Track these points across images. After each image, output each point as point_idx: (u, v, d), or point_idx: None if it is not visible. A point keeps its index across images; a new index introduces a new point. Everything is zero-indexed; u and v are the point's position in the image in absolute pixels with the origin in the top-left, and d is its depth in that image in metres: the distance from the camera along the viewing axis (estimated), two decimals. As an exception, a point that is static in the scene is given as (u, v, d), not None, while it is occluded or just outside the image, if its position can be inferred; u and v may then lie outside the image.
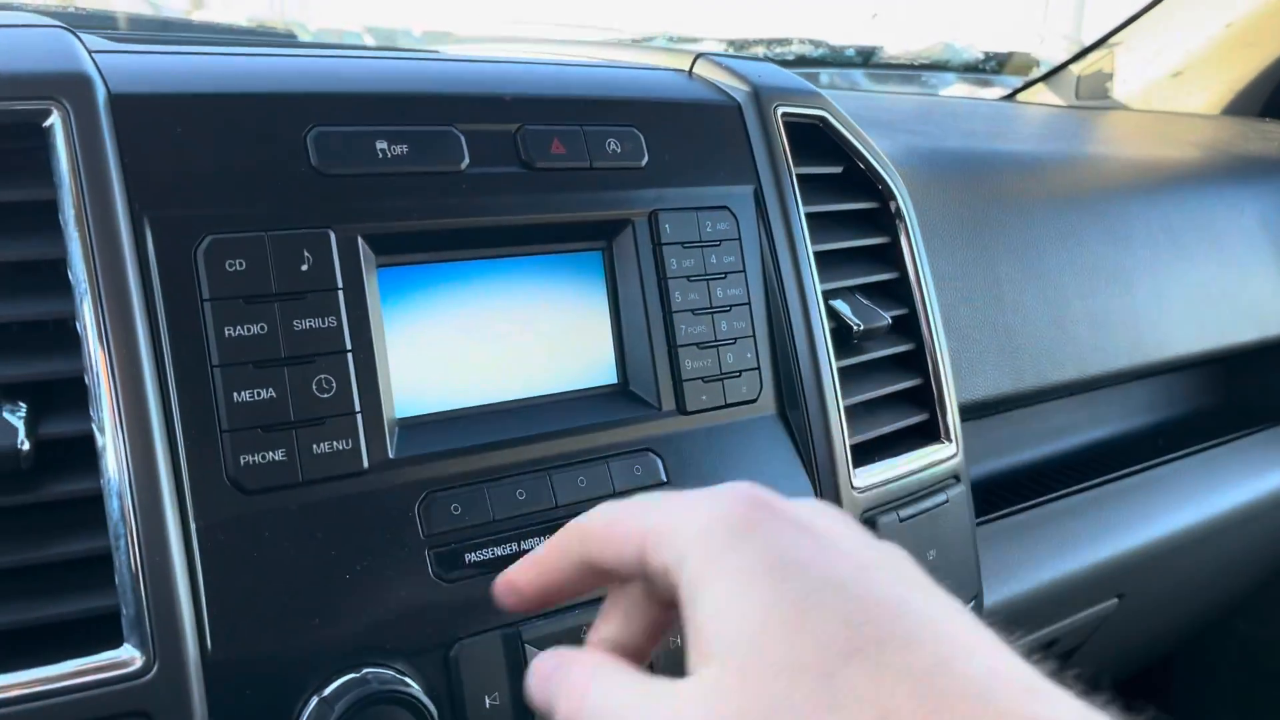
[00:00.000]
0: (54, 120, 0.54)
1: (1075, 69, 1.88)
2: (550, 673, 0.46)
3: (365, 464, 0.60)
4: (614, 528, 0.45)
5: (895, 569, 0.41)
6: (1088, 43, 1.89)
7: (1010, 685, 0.35)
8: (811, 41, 1.88)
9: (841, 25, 1.92)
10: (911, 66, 1.95)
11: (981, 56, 2.01)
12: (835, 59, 1.87)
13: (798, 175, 0.81)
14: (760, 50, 1.82)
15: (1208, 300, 1.31)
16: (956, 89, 2.04)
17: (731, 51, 1.78)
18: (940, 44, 1.98)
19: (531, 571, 0.48)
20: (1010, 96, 1.94)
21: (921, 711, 0.34)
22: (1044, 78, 1.92)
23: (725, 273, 0.76)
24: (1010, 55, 2.04)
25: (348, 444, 0.60)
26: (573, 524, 0.47)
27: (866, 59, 1.91)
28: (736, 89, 0.82)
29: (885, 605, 0.37)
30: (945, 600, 0.41)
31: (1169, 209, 1.31)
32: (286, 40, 1.28)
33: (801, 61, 1.83)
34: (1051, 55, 1.96)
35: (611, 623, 0.47)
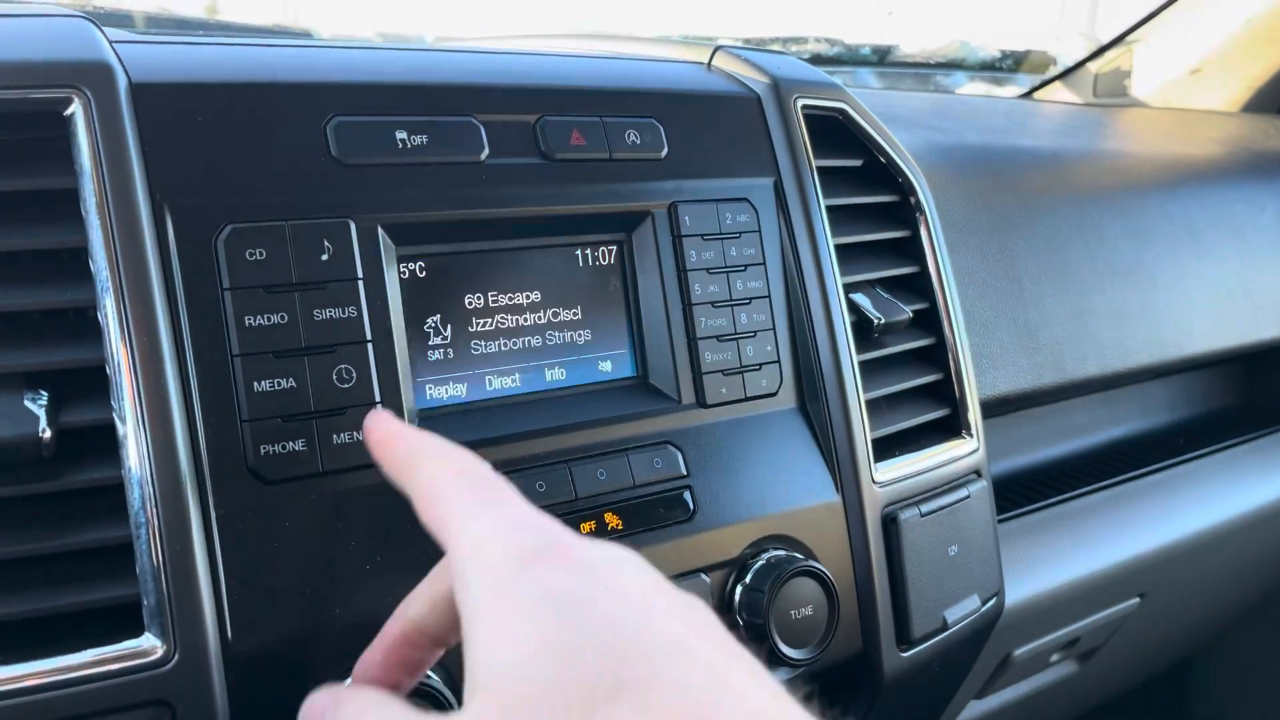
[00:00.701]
0: (75, 108, 0.54)
1: (1093, 67, 1.87)
2: (323, 710, 0.45)
3: (385, 454, 0.60)
4: (424, 585, 0.48)
5: (683, 616, 0.40)
6: (1104, 40, 1.88)
7: None
8: (827, 40, 1.88)
9: (857, 24, 1.91)
10: (928, 65, 1.95)
11: (998, 55, 2.00)
12: (851, 57, 1.87)
13: (818, 167, 0.81)
14: (776, 47, 1.81)
15: (1229, 297, 1.30)
16: (972, 87, 2.03)
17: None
18: (956, 42, 1.97)
19: (375, 655, 0.49)
20: (1027, 95, 1.93)
21: None
22: (1061, 76, 1.91)
23: (745, 265, 0.76)
24: (1027, 53, 2.03)
25: (368, 434, 0.59)
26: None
27: (882, 57, 1.91)
28: (756, 81, 0.81)
29: (661, 647, 0.37)
30: (733, 648, 0.40)
31: (1189, 205, 1.30)
32: (304, 36, 1.28)
33: (817, 60, 1.83)
34: (1068, 53, 1.94)
35: (417, 604, 0.48)
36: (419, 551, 0.60)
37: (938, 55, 1.95)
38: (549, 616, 0.38)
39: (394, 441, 0.50)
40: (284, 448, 0.57)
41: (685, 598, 0.42)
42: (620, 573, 0.41)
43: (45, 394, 0.53)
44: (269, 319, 0.57)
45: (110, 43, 0.59)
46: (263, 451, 0.57)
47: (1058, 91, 1.90)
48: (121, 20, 1.28)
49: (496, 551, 0.41)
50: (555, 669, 0.36)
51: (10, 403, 0.51)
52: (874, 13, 2.03)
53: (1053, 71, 1.95)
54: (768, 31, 1.99)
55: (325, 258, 0.59)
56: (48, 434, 0.51)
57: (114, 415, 0.54)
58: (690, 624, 0.40)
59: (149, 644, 0.52)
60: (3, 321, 0.53)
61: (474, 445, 0.63)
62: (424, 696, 0.56)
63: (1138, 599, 1.19)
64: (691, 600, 0.43)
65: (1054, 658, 1.16)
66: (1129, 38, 1.85)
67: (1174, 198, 1.29)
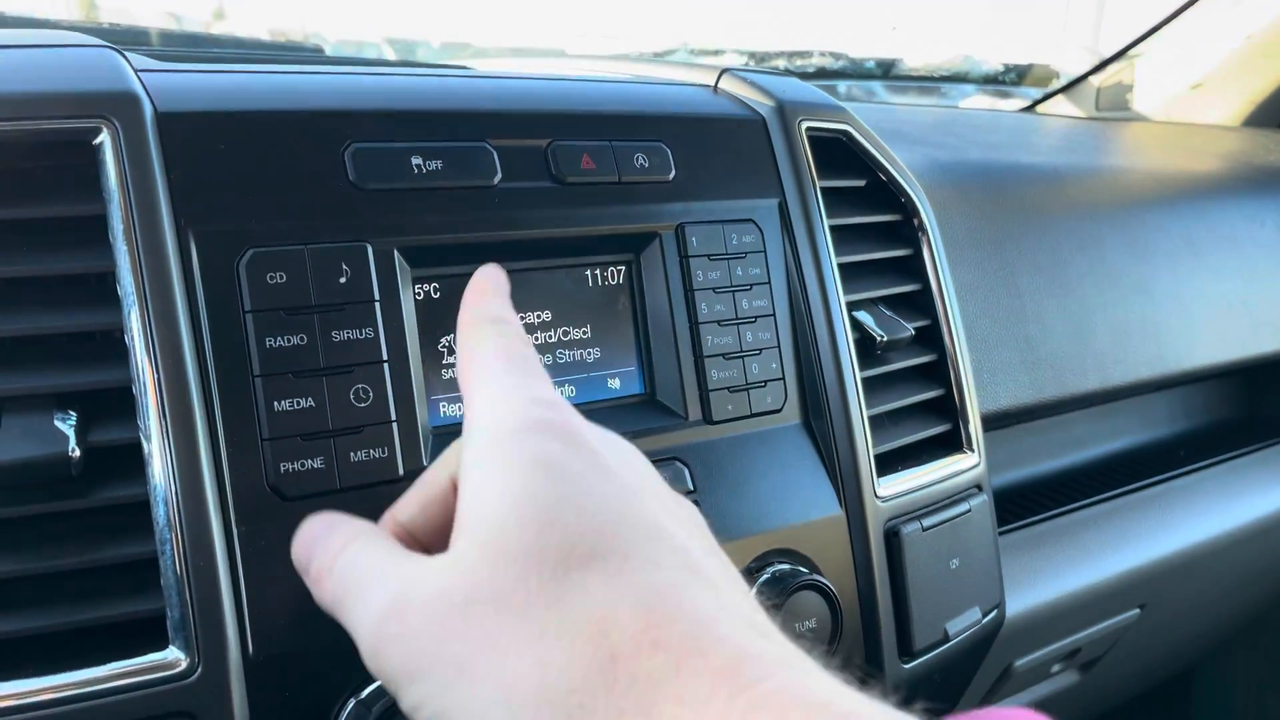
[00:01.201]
0: (104, 138, 0.56)
1: (1095, 81, 1.89)
2: (316, 535, 0.48)
3: (401, 471, 0.62)
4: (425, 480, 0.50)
5: (670, 509, 0.43)
6: (1107, 54, 1.90)
7: (735, 621, 0.38)
8: (832, 54, 1.90)
9: (861, 38, 1.93)
10: (931, 79, 1.96)
11: (1001, 68, 2.02)
12: (855, 71, 1.89)
13: (822, 188, 0.82)
14: (780, 63, 1.83)
15: (1229, 311, 1.31)
16: (975, 101, 2.04)
17: (753, 65, 1.80)
18: (960, 56, 1.99)
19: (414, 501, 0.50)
20: (1030, 108, 1.95)
21: (640, 624, 0.36)
22: (1064, 89, 1.93)
23: (750, 284, 0.78)
24: (1030, 67, 2.05)
25: (384, 452, 0.61)
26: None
27: (886, 71, 1.92)
28: (761, 104, 0.83)
29: (641, 528, 0.40)
30: (712, 546, 0.43)
31: (1190, 220, 1.32)
32: (314, 55, 1.30)
33: (822, 74, 1.85)
34: (1071, 67, 1.96)
35: (406, 508, 0.50)
36: (433, 566, 0.62)
37: (941, 69, 1.97)
38: (540, 478, 0.40)
39: (475, 297, 0.51)
40: (303, 465, 0.59)
41: (678, 497, 0.45)
42: (619, 458, 0.44)
43: (74, 414, 0.54)
44: (289, 340, 0.59)
45: (135, 72, 0.61)
46: (283, 469, 0.58)
47: (1060, 105, 1.92)
48: (137, 36, 1.30)
49: (505, 413, 0.43)
50: (538, 526, 0.38)
51: (41, 423, 0.53)
52: (878, 26, 2.05)
53: (1055, 85, 1.97)
54: (772, 44, 2.01)
55: (343, 280, 0.61)
56: (76, 453, 0.53)
57: (140, 434, 0.55)
58: (676, 517, 0.43)
59: (173, 657, 0.54)
60: (33, 344, 0.55)
61: (486, 462, 0.65)
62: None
63: (1138, 610, 1.20)
64: (683, 500, 0.46)
65: (1055, 668, 1.18)
66: (1131, 52, 1.86)
67: (1174, 213, 1.30)
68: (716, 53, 1.89)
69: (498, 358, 0.47)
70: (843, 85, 1.91)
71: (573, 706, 0.36)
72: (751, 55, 1.82)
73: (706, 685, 0.35)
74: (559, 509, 0.39)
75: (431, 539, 0.49)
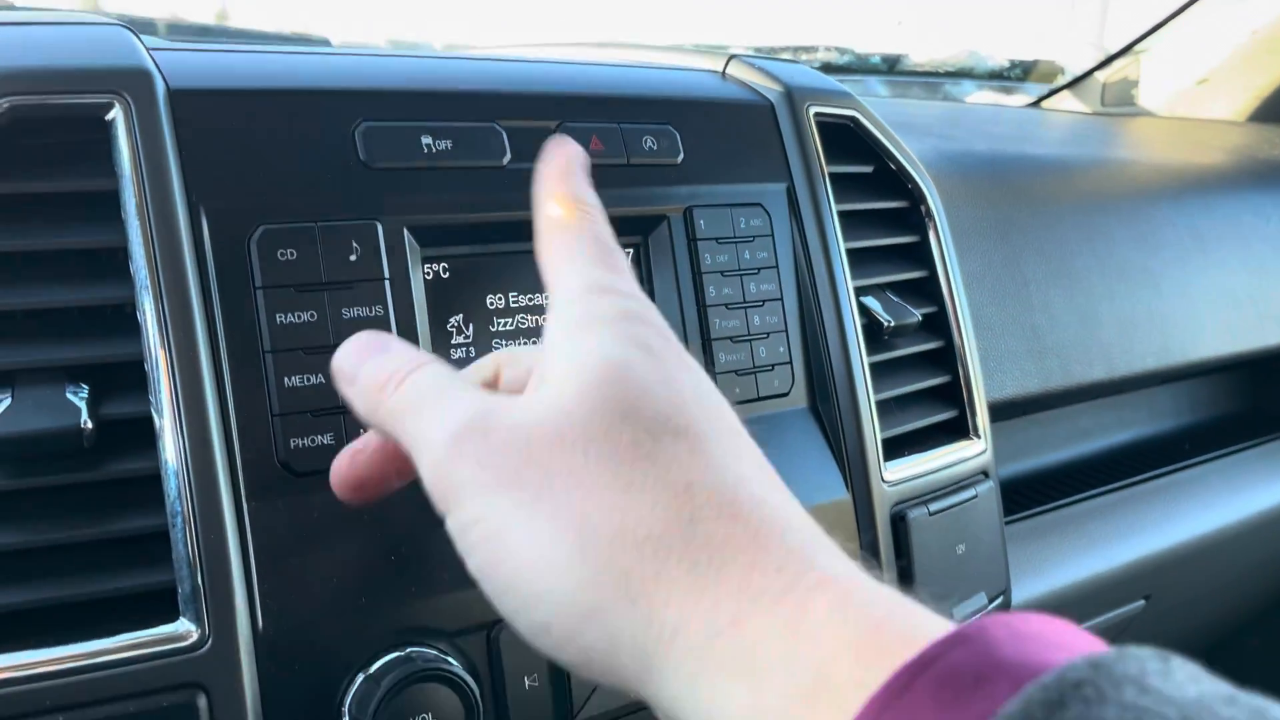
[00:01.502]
0: (116, 113, 0.56)
1: (1100, 76, 1.89)
2: (379, 347, 0.48)
3: (410, 449, 0.62)
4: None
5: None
6: (1112, 50, 1.90)
7: (804, 520, 0.41)
8: (838, 49, 1.90)
9: (867, 32, 1.93)
10: (937, 74, 1.97)
11: (1007, 64, 2.02)
12: (861, 66, 1.89)
13: (830, 174, 0.83)
14: (786, 56, 1.83)
15: (1234, 303, 1.31)
16: (981, 97, 2.05)
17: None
18: (965, 51, 1.99)
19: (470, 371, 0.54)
20: (1035, 104, 1.95)
21: (723, 499, 0.38)
22: (1069, 85, 1.93)
23: (758, 268, 0.78)
24: (1035, 63, 2.05)
25: (393, 429, 0.61)
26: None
27: (892, 66, 1.93)
28: (769, 89, 0.83)
29: (724, 421, 0.42)
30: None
31: (1195, 213, 1.32)
32: (323, 44, 1.30)
33: (827, 69, 1.85)
34: (1076, 63, 1.96)
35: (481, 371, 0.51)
36: (440, 541, 0.62)
37: (947, 64, 1.97)
38: (638, 355, 0.41)
39: (557, 173, 0.51)
40: (312, 441, 0.59)
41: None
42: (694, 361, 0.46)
43: (86, 387, 0.55)
44: (299, 317, 0.59)
45: (148, 50, 0.61)
46: (292, 444, 0.59)
47: (1066, 101, 1.92)
48: (145, 28, 1.30)
49: (601, 300, 0.44)
50: (637, 392, 0.40)
51: (53, 395, 0.53)
52: (884, 23, 2.05)
53: (1061, 81, 1.97)
54: (778, 39, 2.01)
55: (353, 258, 0.61)
56: (89, 425, 0.53)
57: (151, 409, 0.56)
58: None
59: (184, 629, 0.54)
60: (46, 317, 0.55)
61: (495, 441, 0.66)
62: (446, 682, 0.58)
63: (1143, 601, 1.20)
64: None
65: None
66: (1136, 48, 1.87)
67: (1181, 206, 1.30)
68: (722, 48, 1.89)
69: (586, 245, 0.47)
70: (846, 81, 1.91)
71: (646, 551, 0.37)
72: (757, 50, 1.82)
73: (778, 558, 0.37)
74: (655, 385, 0.40)
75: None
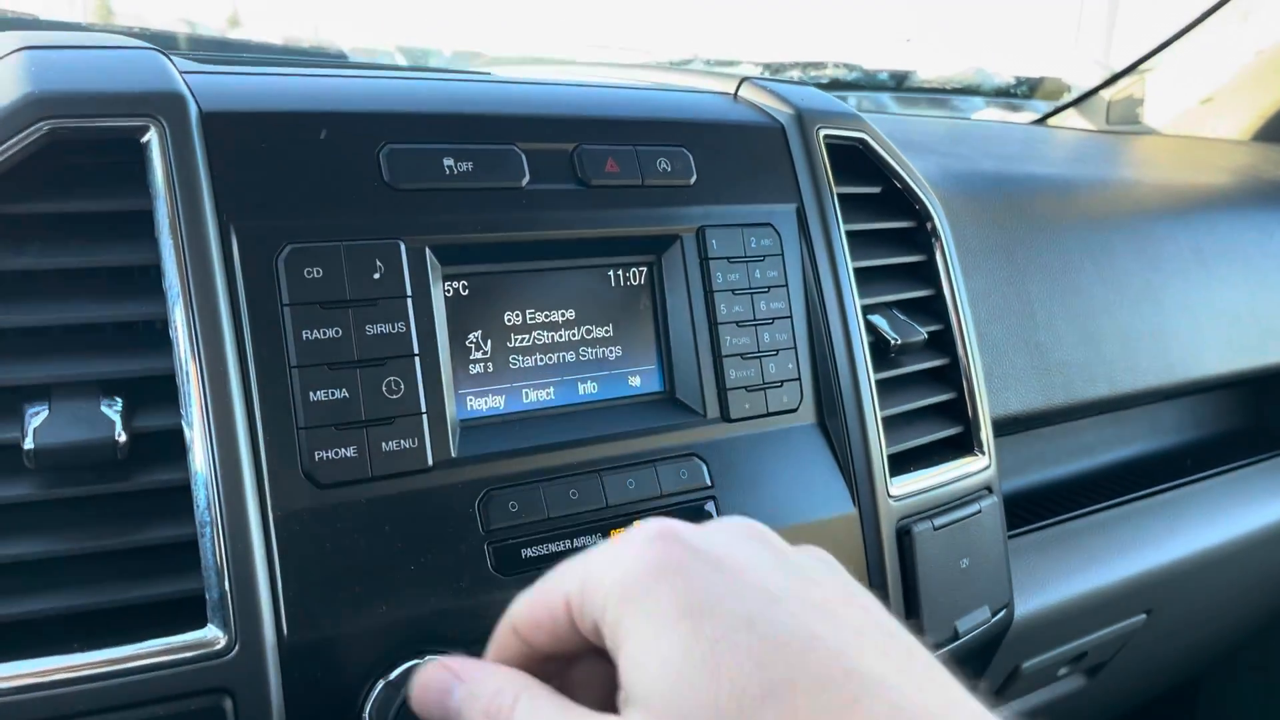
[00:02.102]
0: (151, 136, 0.58)
1: (1106, 94, 1.91)
2: (455, 683, 0.47)
3: (430, 461, 0.64)
4: (538, 608, 0.47)
5: (804, 596, 0.42)
6: (1117, 68, 1.92)
7: (919, 712, 0.38)
8: (845, 65, 1.92)
9: (875, 49, 1.95)
10: (944, 91, 1.99)
11: (1013, 81, 2.04)
12: (869, 83, 1.91)
13: (838, 194, 0.84)
14: (795, 74, 1.85)
15: (1237, 321, 1.33)
16: (987, 113, 2.06)
17: (767, 76, 1.82)
18: (972, 69, 2.01)
19: (531, 617, 0.48)
20: (1041, 121, 1.97)
21: None
22: (1075, 103, 1.95)
23: (768, 287, 0.80)
24: (1041, 80, 2.07)
25: (414, 442, 0.63)
26: (502, 622, 0.49)
27: (899, 83, 1.95)
28: (780, 111, 0.85)
29: (793, 644, 0.39)
30: (856, 621, 0.42)
31: (1199, 232, 1.34)
32: (338, 60, 1.33)
33: (836, 85, 1.87)
34: (1082, 80, 1.98)
35: (526, 622, 0.48)
36: (460, 554, 0.64)
37: (954, 81, 1.99)
38: (687, 627, 0.40)
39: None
40: (336, 453, 0.61)
41: (809, 564, 0.45)
42: (744, 559, 0.43)
43: (119, 401, 0.57)
44: (324, 333, 0.61)
45: (180, 73, 0.63)
46: (317, 457, 0.60)
47: (1071, 118, 1.94)
48: (166, 42, 1.33)
49: (618, 573, 0.43)
50: (703, 679, 0.38)
51: (89, 409, 0.55)
52: (892, 38, 2.07)
53: (1067, 98, 1.99)
54: (787, 55, 2.03)
55: (377, 276, 0.63)
56: (123, 438, 0.55)
57: (182, 421, 0.57)
58: (812, 602, 0.42)
59: (211, 635, 0.56)
60: (82, 333, 0.57)
61: (510, 455, 0.68)
62: None
63: (1144, 615, 1.21)
64: (816, 568, 0.45)
65: (1062, 671, 1.19)
66: (1142, 66, 1.88)
67: (1184, 224, 1.32)
68: (732, 63, 1.91)
69: (555, 574, 0.47)
70: (854, 97, 1.93)
71: None
72: (766, 66, 1.84)
73: None
74: (718, 654, 0.39)
75: (554, 645, 0.48)
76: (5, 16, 1.27)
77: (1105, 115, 1.91)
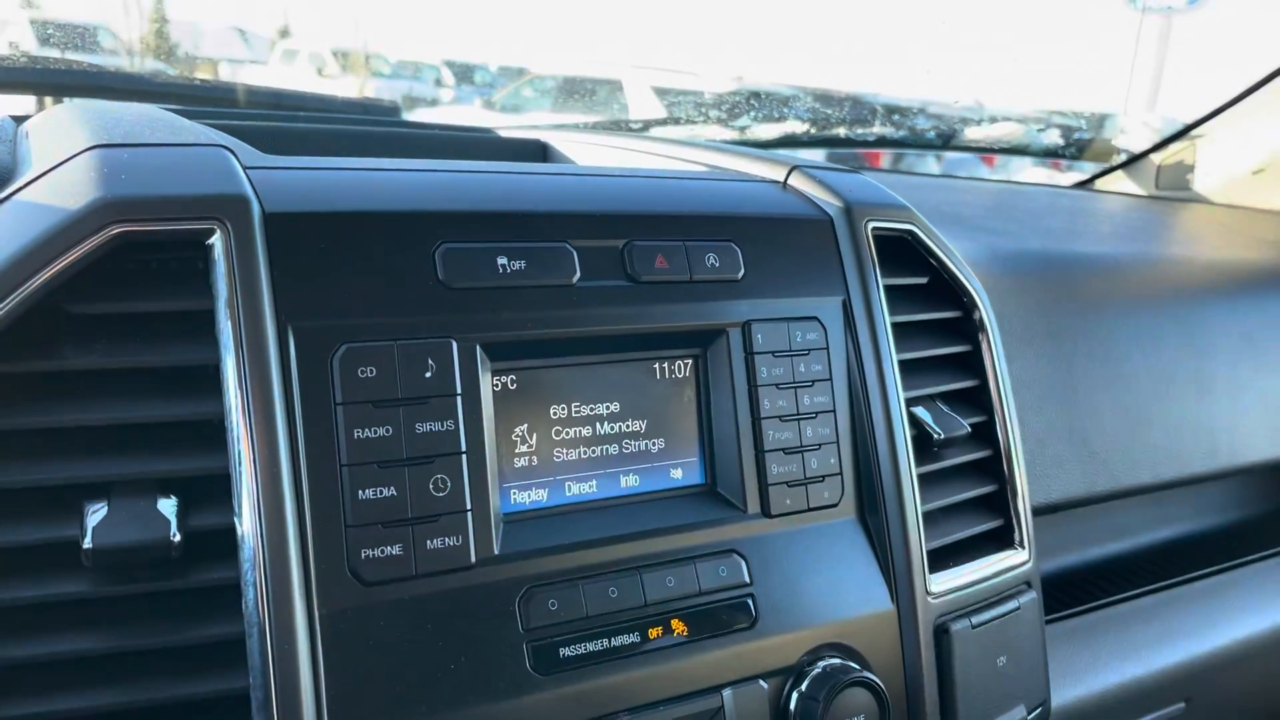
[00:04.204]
0: (216, 238, 0.60)
1: (1156, 158, 1.90)
2: None
3: (473, 559, 0.65)
4: None
5: None
6: (1169, 132, 1.90)
7: None
8: (892, 122, 1.92)
9: (924, 104, 1.95)
10: (992, 150, 1.98)
11: (1061, 143, 2.03)
12: (915, 140, 1.91)
13: (885, 286, 0.85)
14: (842, 130, 1.86)
15: (1285, 406, 1.31)
16: (1033, 174, 2.06)
17: (813, 132, 1.83)
18: (1020, 128, 2.01)
19: None
20: (1088, 183, 1.95)
21: None
22: (1124, 165, 1.94)
23: (813, 380, 0.80)
24: (1090, 141, 2.06)
25: (458, 540, 0.64)
26: None
27: (946, 141, 1.94)
28: (829, 203, 0.86)
29: None
30: None
31: (1247, 313, 1.32)
32: (392, 118, 1.35)
33: (882, 142, 1.87)
34: (1132, 144, 1.97)
35: None
36: (500, 653, 0.64)
37: (1001, 141, 1.99)
38: None
39: None
40: (382, 551, 0.62)
41: None
42: None
43: (175, 499, 0.58)
44: (375, 431, 0.62)
45: (245, 169, 0.65)
46: (363, 555, 0.61)
47: (1120, 181, 1.93)
48: (222, 95, 1.36)
49: None
50: None
51: (146, 507, 0.57)
52: (946, 98, 2.07)
53: (1115, 160, 1.98)
54: (834, 86, 2.01)
55: (428, 375, 0.64)
56: (177, 538, 0.57)
57: (234, 519, 0.59)
58: None
59: (255, 735, 0.57)
60: (141, 432, 0.59)
61: (553, 551, 0.68)
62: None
63: (1183, 704, 1.20)
64: None
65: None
66: (1194, 131, 1.87)
67: (1232, 306, 1.31)
68: (780, 116, 1.92)
69: None
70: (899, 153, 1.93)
71: None
72: (814, 123, 1.84)
73: None
74: None
75: None
76: (70, 69, 1.31)
77: (1155, 180, 1.90)
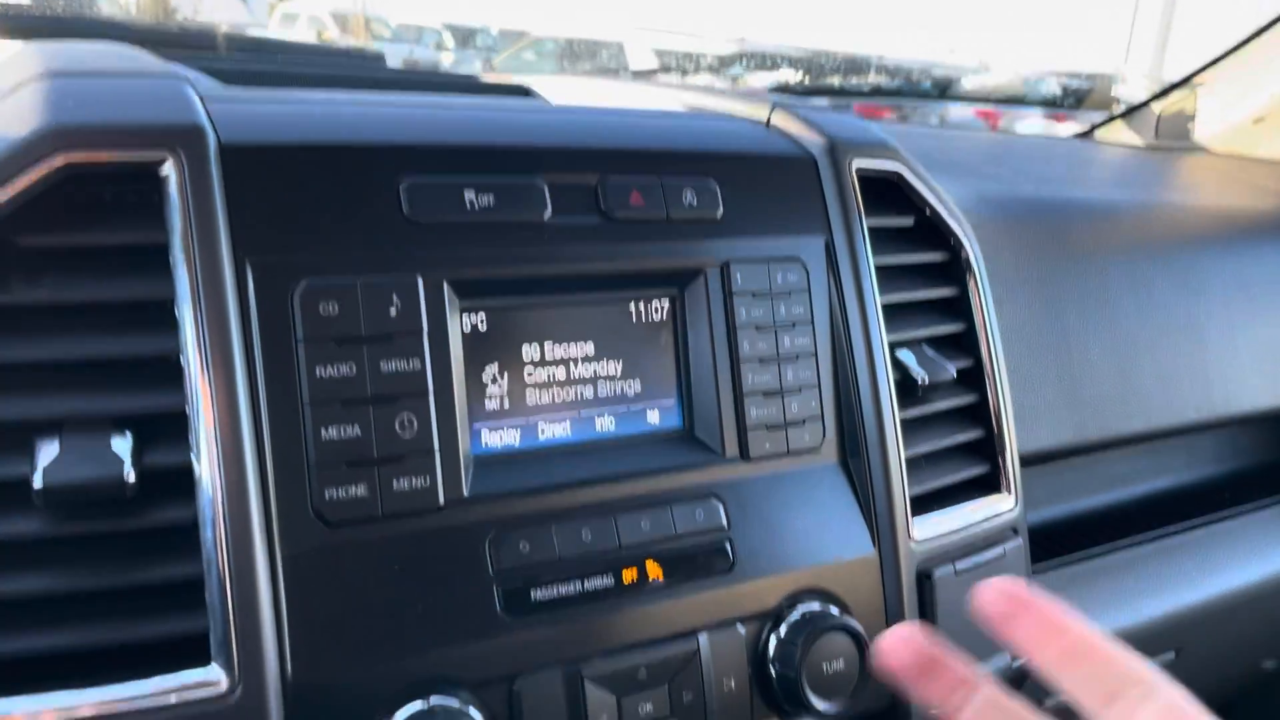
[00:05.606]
0: (169, 169, 0.58)
1: (1156, 107, 1.86)
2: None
3: (441, 500, 0.63)
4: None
5: None
6: (1170, 81, 1.87)
7: None
8: (888, 72, 1.89)
9: (921, 58, 1.92)
10: (989, 100, 1.95)
11: (1059, 92, 2.00)
12: (912, 91, 1.88)
13: (869, 227, 0.83)
14: (835, 80, 1.83)
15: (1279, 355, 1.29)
16: (1033, 123, 2.03)
17: (806, 81, 1.80)
18: (1019, 78, 1.97)
19: None
20: (1088, 133, 1.93)
21: None
22: (1124, 115, 1.91)
23: (793, 323, 0.78)
24: (1089, 91, 2.03)
25: (426, 481, 0.63)
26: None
27: (943, 91, 1.91)
28: (812, 141, 0.83)
29: None
30: None
31: (1245, 260, 1.30)
32: (376, 66, 1.32)
33: (877, 92, 1.84)
34: (1132, 94, 1.94)
35: None
36: (469, 595, 0.63)
37: (1000, 91, 1.95)
38: None
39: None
40: (347, 492, 0.60)
41: None
42: None
43: (130, 436, 0.56)
44: (338, 370, 0.61)
45: (202, 100, 0.63)
46: (327, 495, 0.60)
47: (1119, 131, 1.90)
48: (206, 40, 1.33)
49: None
50: None
51: (98, 445, 0.55)
52: (937, 50, 2.03)
53: (1116, 110, 1.95)
54: (829, 44, 2.00)
55: (393, 312, 0.63)
56: (131, 477, 0.55)
57: (191, 457, 0.57)
58: None
59: (214, 675, 0.56)
60: (94, 368, 0.57)
61: (524, 493, 0.67)
62: (467, 736, 0.59)
63: (1173, 654, 1.19)
64: None
65: (1085, 709, 1.17)
66: (1194, 80, 1.84)
67: (1229, 253, 1.28)
68: (773, 65, 1.89)
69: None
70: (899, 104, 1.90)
71: None
72: (808, 70, 1.81)
73: None
74: None
75: None
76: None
77: (1154, 129, 1.86)
